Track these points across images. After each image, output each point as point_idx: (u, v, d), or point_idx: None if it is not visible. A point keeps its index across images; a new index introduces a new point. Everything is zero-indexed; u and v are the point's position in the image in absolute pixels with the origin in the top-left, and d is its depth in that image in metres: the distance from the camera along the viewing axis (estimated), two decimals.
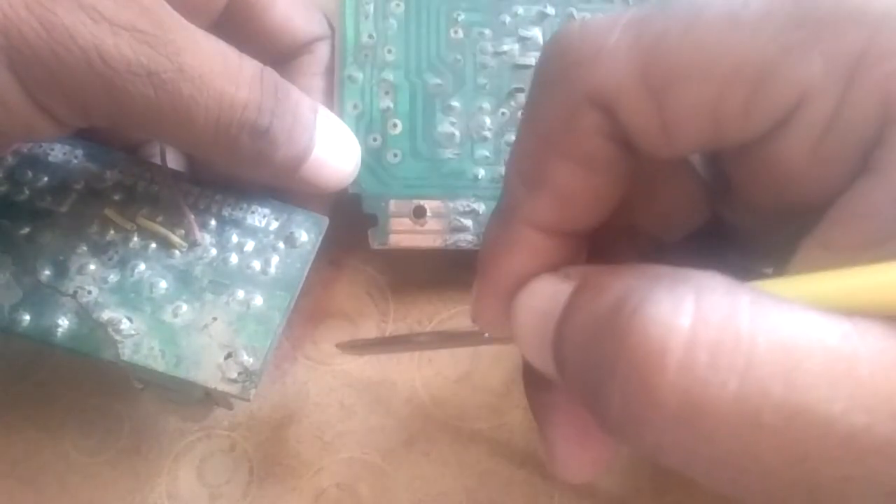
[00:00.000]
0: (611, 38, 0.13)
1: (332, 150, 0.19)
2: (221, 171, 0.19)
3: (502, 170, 0.21)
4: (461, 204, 0.21)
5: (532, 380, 0.17)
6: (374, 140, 0.21)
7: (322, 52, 0.21)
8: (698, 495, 0.21)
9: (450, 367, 0.22)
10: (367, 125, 0.21)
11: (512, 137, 0.22)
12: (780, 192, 0.14)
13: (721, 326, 0.11)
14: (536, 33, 0.22)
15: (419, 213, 0.21)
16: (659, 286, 0.11)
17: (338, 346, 0.21)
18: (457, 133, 0.22)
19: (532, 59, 0.22)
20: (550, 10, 0.22)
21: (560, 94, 0.13)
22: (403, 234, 0.21)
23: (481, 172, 0.22)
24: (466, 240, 0.21)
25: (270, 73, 0.18)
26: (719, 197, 0.16)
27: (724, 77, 0.12)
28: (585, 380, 0.12)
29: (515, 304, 0.14)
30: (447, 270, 0.23)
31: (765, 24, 0.12)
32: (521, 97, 0.22)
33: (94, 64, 0.15)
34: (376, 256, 0.23)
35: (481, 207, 0.21)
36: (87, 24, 0.15)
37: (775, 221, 0.15)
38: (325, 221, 0.20)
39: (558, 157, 0.13)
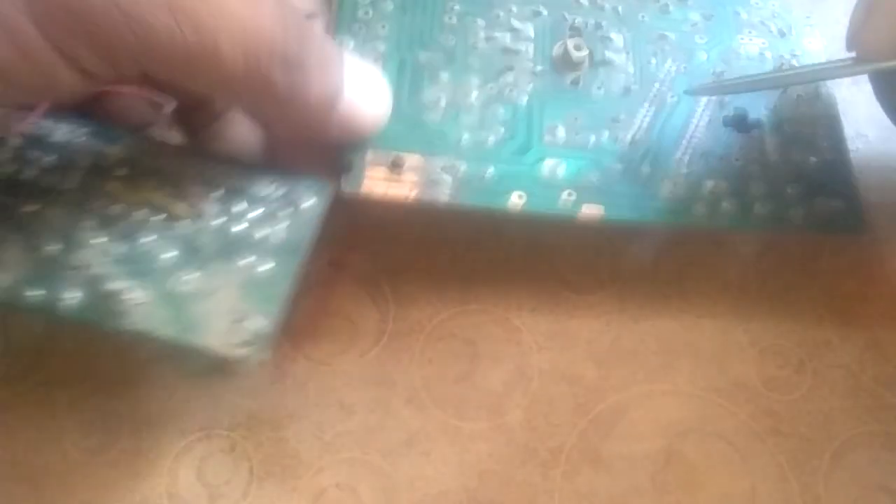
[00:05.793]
0: None
1: (363, 90, 0.19)
2: (253, 120, 0.20)
3: (487, 136, 0.21)
4: (442, 160, 0.21)
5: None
6: None
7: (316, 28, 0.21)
8: (698, 495, 0.21)
9: (450, 367, 0.22)
10: None
11: (500, 111, 0.21)
12: None
13: None
14: (528, 28, 0.22)
15: (397, 163, 0.20)
16: None
17: (686, 91, 0.22)
18: (443, 97, 0.21)
19: (523, 46, 0.22)
20: (544, 11, 0.23)
21: None
22: (378, 180, 0.20)
23: (465, 136, 0.21)
24: (444, 193, 0.20)
25: (289, 2, 0.17)
26: None
27: None
28: None
29: None
30: (447, 268, 0.23)
31: None
32: (511, 76, 0.22)
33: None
34: (377, 256, 0.23)
35: (462, 166, 0.20)
36: None
37: None
38: (331, 186, 0.20)
39: None
